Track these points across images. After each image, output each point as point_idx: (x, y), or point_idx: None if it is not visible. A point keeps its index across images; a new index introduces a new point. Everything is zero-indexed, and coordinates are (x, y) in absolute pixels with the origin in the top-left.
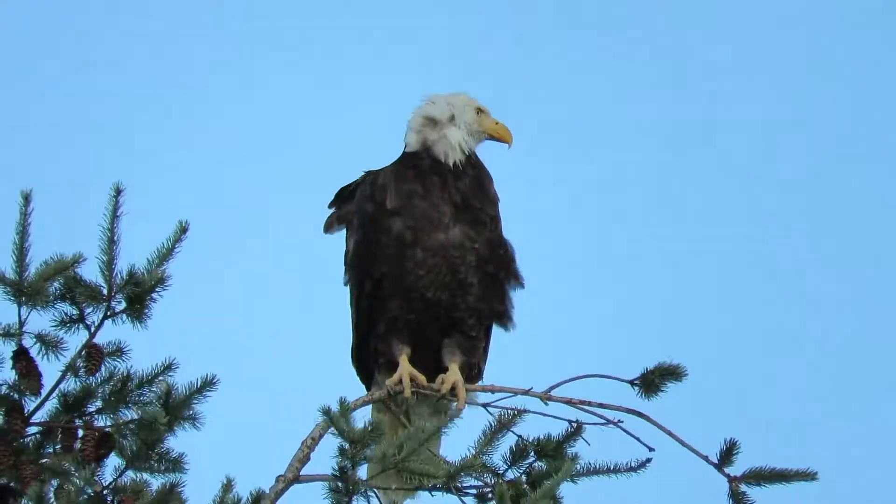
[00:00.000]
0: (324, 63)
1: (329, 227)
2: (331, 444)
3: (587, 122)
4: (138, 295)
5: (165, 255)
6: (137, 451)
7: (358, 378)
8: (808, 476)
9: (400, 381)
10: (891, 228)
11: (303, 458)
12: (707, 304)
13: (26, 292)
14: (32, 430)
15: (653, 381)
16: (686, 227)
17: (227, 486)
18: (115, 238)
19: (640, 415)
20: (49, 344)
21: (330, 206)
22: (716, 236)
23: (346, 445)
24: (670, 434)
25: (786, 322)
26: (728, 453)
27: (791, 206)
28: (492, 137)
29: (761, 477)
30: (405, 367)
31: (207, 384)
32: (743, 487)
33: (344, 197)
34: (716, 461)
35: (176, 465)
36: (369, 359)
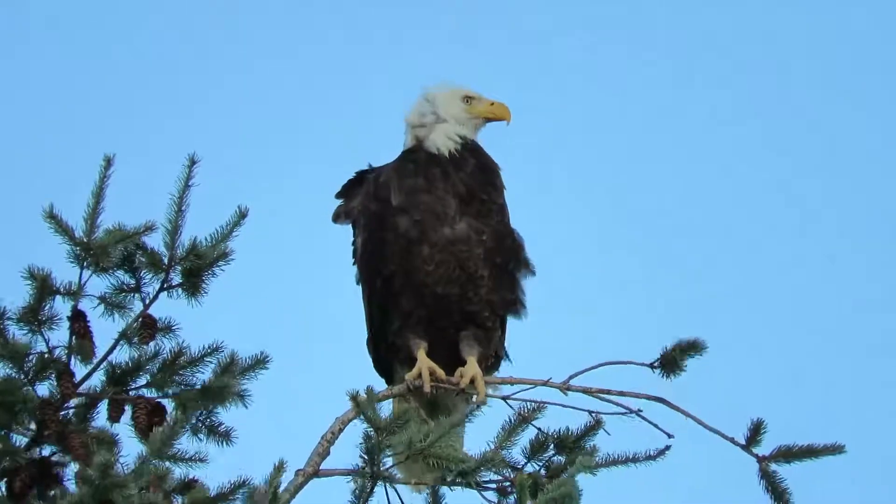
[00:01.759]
0: (333, 53)
1: (337, 217)
2: (350, 439)
3: (596, 108)
4: (198, 267)
5: (224, 238)
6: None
7: (376, 372)
8: (836, 450)
9: (419, 376)
10: None
11: (322, 452)
12: (725, 289)
13: (93, 251)
14: (80, 399)
15: (673, 358)
16: (705, 207)
17: (279, 467)
18: (183, 208)
19: (661, 401)
20: (113, 305)
21: (337, 196)
22: (738, 219)
23: (372, 433)
24: (694, 418)
25: (806, 303)
26: (755, 433)
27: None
28: (489, 119)
29: (790, 455)
30: (423, 361)
31: (260, 362)
32: (773, 467)
33: (350, 188)
34: (743, 442)
35: (226, 438)
36: (387, 353)
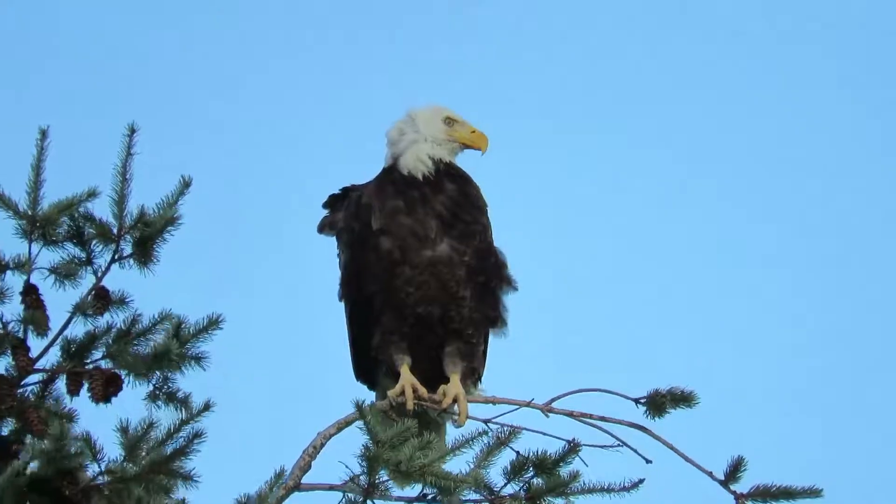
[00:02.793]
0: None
1: (322, 228)
2: (331, 453)
3: (595, 108)
4: (148, 235)
5: (170, 204)
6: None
7: (357, 380)
8: (813, 493)
9: (402, 393)
10: None
11: (304, 466)
12: (710, 310)
13: (39, 224)
14: (36, 377)
15: (662, 404)
16: (690, 229)
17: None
18: (128, 176)
19: (642, 429)
20: (64, 275)
21: (323, 206)
22: (721, 240)
23: (371, 445)
24: (674, 449)
25: (792, 327)
26: (734, 470)
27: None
28: (467, 146)
29: (768, 494)
30: (406, 378)
31: (213, 323)
32: None
33: (336, 199)
34: (722, 478)
35: (184, 404)
36: (370, 367)
